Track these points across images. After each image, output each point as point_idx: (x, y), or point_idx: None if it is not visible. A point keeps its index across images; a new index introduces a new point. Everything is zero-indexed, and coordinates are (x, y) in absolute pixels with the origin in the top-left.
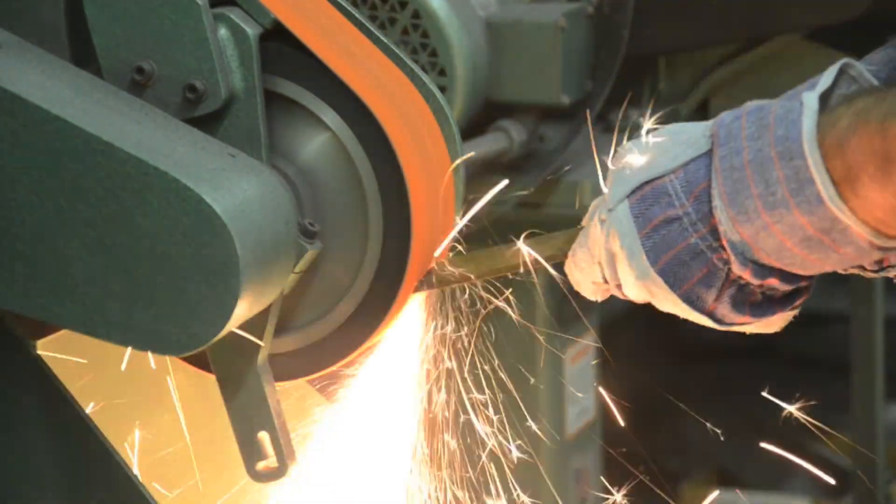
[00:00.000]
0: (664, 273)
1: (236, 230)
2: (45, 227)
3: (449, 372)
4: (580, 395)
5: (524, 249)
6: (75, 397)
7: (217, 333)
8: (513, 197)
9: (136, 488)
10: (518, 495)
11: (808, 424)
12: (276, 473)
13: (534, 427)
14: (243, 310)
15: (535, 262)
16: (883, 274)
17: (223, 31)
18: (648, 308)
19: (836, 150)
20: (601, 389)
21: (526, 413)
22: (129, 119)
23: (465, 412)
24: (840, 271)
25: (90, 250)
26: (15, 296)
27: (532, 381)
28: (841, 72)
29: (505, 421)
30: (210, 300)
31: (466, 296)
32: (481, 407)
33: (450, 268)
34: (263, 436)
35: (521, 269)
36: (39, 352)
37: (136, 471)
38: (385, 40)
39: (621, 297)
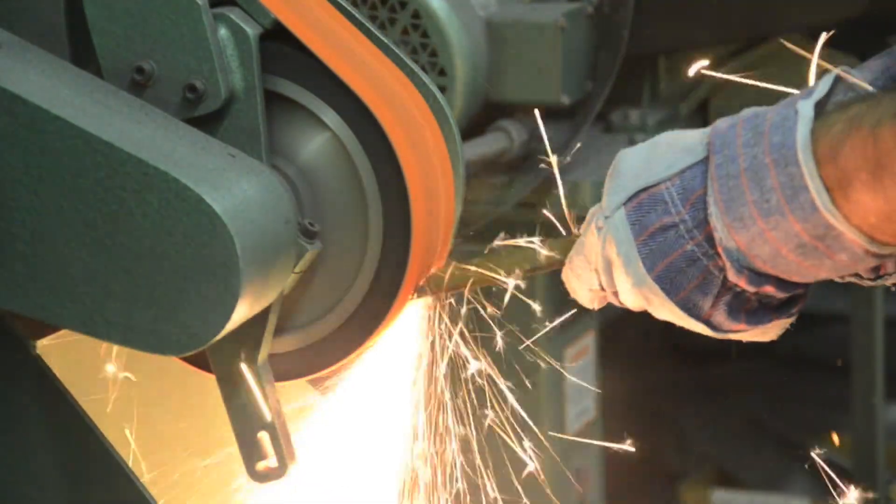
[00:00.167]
0: (660, 280)
1: (236, 230)
2: (45, 227)
3: (449, 372)
4: (580, 395)
5: (520, 257)
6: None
7: (217, 333)
8: (512, 197)
9: (136, 488)
10: (518, 495)
11: (807, 424)
12: (276, 473)
13: (534, 427)
14: (243, 310)
15: (532, 270)
16: (880, 282)
17: (223, 31)
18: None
19: (830, 156)
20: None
21: (526, 413)
22: (129, 119)
23: (466, 412)
24: (837, 279)
25: (90, 250)
26: (15, 296)
27: (532, 381)
28: (837, 79)
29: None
30: (210, 300)
31: (466, 296)
32: (481, 408)
33: (447, 273)
34: (263, 436)
35: (518, 279)
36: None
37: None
38: (385, 40)
39: (618, 304)
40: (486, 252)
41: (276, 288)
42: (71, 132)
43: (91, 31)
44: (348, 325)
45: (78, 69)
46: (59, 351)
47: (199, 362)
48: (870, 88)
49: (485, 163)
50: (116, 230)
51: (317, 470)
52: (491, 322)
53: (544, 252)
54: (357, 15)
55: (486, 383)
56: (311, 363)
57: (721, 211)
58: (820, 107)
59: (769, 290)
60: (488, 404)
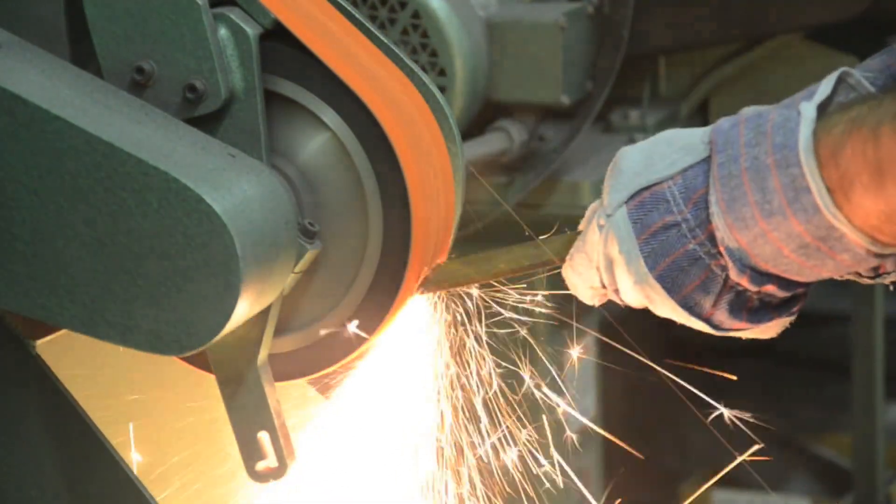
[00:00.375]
0: (662, 279)
1: (236, 230)
2: (45, 227)
3: (448, 373)
4: (580, 395)
5: (520, 254)
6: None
7: (217, 333)
8: (512, 197)
9: (136, 488)
10: (518, 495)
11: (807, 424)
12: (276, 473)
13: (533, 427)
14: (243, 310)
15: (533, 266)
16: (879, 280)
17: (223, 31)
18: (648, 308)
19: (831, 157)
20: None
21: (525, 413)
22: (129, 119)
23: (464, 413)
24: (836, 277)
25: (90, 250)
26: (15, 296)
27: (532, 381)
28: (839, 80)
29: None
30: (210, 300)
31: (466, 296)
32: (481, 409)
33: (447, 271)
34: (263, 436)
35: (518, 275)
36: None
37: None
38: (385, 40)
39: (619, 301)
40: (481, 254)
41: (276, 288)
42: (71, 132)
43: (91, 31)
44: (348, 325)
45: (78, 69)
46: (60, 351)
47: (199, 362)
48: (871, 89)
49: (485, 163)
50: (116, 230)
51: (331, 468)
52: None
53: (544, 249)
54: (357, 15)
55: (485, 383)
56: (311, 363)
57: (723, 211)
58: (822, 108)
59: (771, 289)
60: (488, 404)
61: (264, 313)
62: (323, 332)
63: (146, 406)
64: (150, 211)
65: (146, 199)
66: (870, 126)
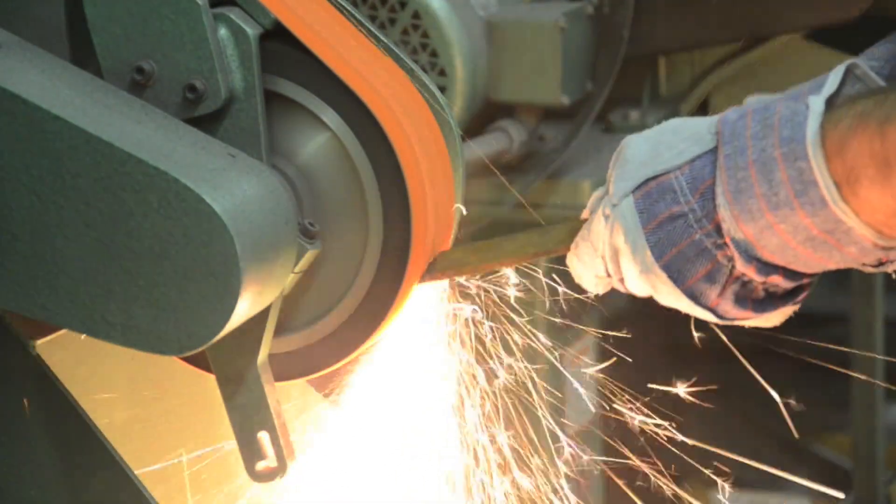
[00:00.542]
0: (668, 269)
1: (236, 230)
2: (45, 227)
3: (448, 373)
4: (580, 394)
5: (524, 242)
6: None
7: (217, 333)
8: (512, 197)
9: (136, 488)
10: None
11: (807, 424)
12: (276, 473)
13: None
14: (243, 310)
15: (536, 254)
16: (882, 269)
17: (223, 31)
18: (648, 307)
19: (838, 151)
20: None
21: (525, 413)
22: (129, 119)
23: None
24: (841, 267)
25: (90, 250)
26: (15, 296)
27: (532, 380)
28: (847, 72)
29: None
30: (210, 300)
31: (466, 295)
32: (481, 409)
33: (451, 259)
34: (263, 436)
35: (522, 263)
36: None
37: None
38: (385, 40)
39: (623, 290)
40: (484, 241)
41: (276, 288)
42: (71, 132)
43: (91, 31)
44: (348, 325)
45: (78, 69)
46: (60, 351)
47: (199, 362)
48: (879, 81)
49: (485, 163)
50: (116, 230)
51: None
52: (492, 322)
53: (549, 237)
54: (357, 15)
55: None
56: (310, 363)
57: (729, 202)
58: (830, 100)
59: (777, 279)
60: (489, 404)
61: (264, 313)
62: (323, 331)
63: (147, 405)
64: (150, 211)
65: (146, 199)
66: (877, 120)
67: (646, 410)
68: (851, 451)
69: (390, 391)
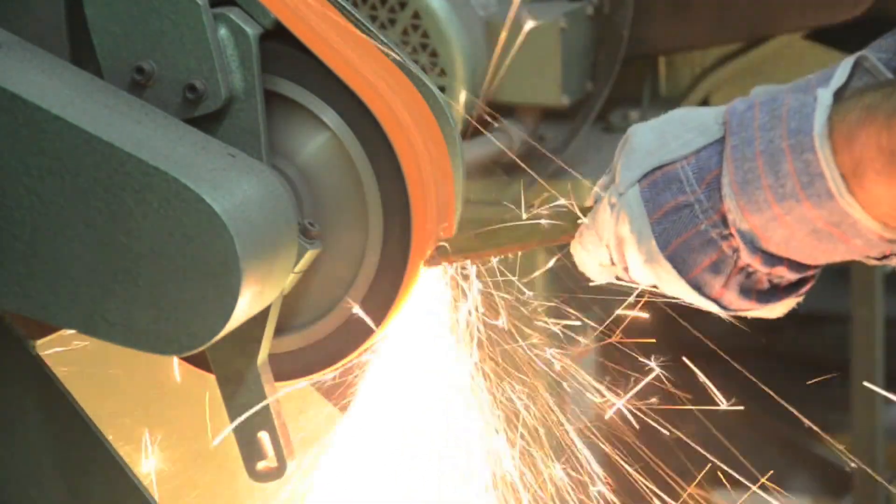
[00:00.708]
0: (673, 259)
1: (236, 230)
2: (45, 228)
3: (448, 373)
4: (580, 394)
5: (528, 229)
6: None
7: (217, 333)
8: (511, 197)
9: (136, 488)
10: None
11: (807, 424)
12: (276, 473)
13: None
14: (243, 309)
15: (541, 242)
16: (885, 262)
17: (223, 31)
18: (648, 307)
19: (845, 145)
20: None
21: (525, 413)
22: (129, 119)
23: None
24: (846, 259)
25: (90, 250)
26: (15, 296)
27: (532, 380)
28: (856, 64)
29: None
30: (210, 300)
31: (467, 294)
32: (481, 408)
33: (455, 245)
34: (263, 436)
35: (526, 249)
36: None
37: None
38: (385, 40)
39: (627, 279)
40: (487, 229)
41: (276, 288)
42: (71, 132)
43: (91, 31)
44: (348, 325)
45: (78, 69)
46: (60, 351)
47: (199, 362)
48: (888, 74)
49: (485, 163)
50: (116, 230)
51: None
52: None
53: (553, 225)
54: (357, 15)
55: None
56: (310, 363)
57: (735, 193)
58: (838, 92)
59: (782, 271)
60: (489, 405)
61: (264, 313)
62: (323, 331)
63: (146, 404)
64: (150, 211)
65: (146, 199)
66: (885, 113)
67: (646, 412)
68: (851, 451)
69: (395, 389)
